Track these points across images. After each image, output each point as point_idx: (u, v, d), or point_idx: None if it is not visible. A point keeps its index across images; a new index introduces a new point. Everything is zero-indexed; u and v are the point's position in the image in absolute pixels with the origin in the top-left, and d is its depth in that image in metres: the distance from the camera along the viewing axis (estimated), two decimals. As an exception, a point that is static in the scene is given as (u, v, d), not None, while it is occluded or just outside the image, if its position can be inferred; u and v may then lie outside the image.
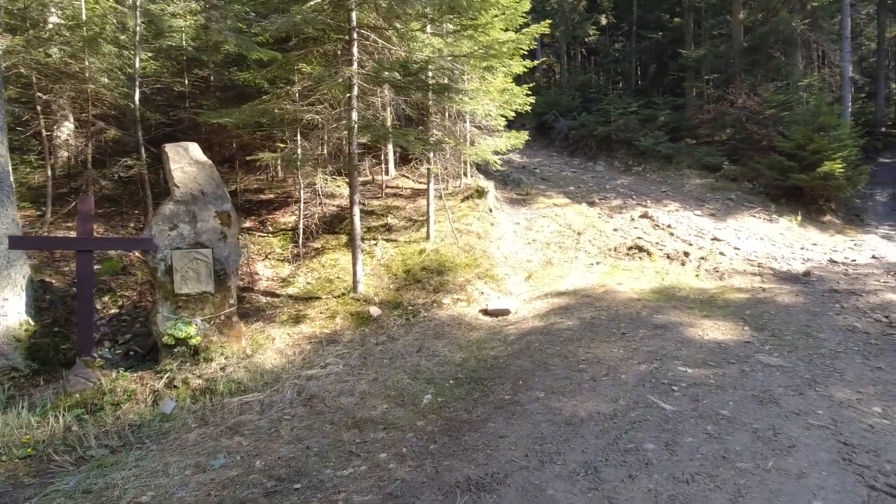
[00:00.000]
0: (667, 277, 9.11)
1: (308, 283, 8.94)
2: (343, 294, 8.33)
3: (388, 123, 10.92)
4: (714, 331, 6.01)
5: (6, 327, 5.80)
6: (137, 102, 9.23)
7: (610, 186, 16.29)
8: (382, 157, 14.96)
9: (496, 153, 11.52)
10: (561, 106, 22.31)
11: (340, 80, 7.58)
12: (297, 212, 10.47)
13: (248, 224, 10.88)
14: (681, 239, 11.88)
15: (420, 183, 14.27)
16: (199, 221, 5.85)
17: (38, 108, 8.54)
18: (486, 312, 7.90)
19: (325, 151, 12.46)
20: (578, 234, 12.13)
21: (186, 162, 5.94)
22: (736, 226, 13.16)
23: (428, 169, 10.23)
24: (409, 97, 8.87)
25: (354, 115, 7.98)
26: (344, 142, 10.04)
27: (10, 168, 6.09)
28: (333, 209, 11.49)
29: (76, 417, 4.76)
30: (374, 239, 10.46)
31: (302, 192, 9.79)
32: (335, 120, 8.48)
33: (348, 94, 8.03)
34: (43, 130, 8.65)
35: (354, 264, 8.20)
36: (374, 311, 7.86)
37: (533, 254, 11.03)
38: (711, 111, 19.07)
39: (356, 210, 8.16)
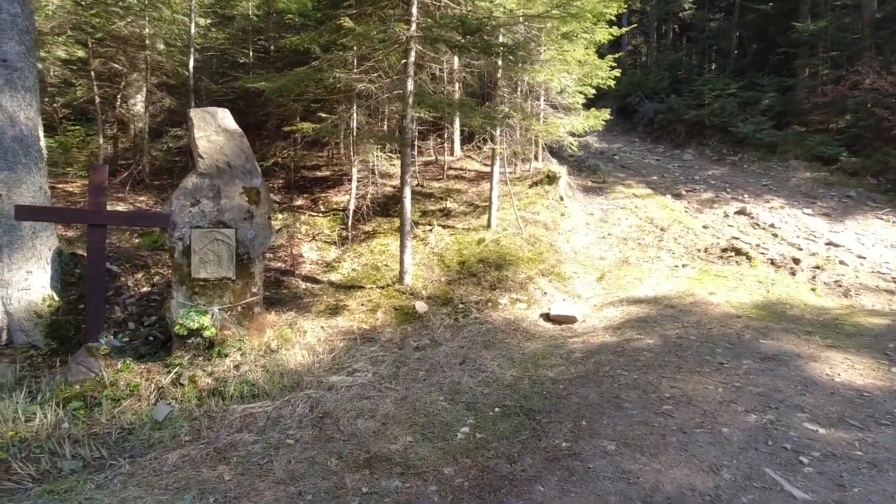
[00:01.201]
0: (773, 289, 7.53)
1: (353, 269, 8.21)
2: (388, 285, 7.52)
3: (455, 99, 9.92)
4: (848, 369, 4.58)
5: (28, 302, 5.45)
6: (192, 70, 8.81)
7: (699, 177, 14.40)
8: (447, 136, 14.01)
9: (572, 135, 10.22)
10: (647, 87, 20.24)
11: (395, 41, 6.65)
12: (350, 191, 9.77)
13: (299, 202, 10.34)
14: (787, 242, 10.05)
15: (486, 165, 13.20)
16: (223, 198, 5.18)
17: (92, 73, 8.29)
18: (547, 318, 6.80)
19: (386, 127, 11.68)
20: (661, 229, 10.61)
21: (213, 130, 5.27)
22: (857, 229, 11.03)
23: (492, 149, 9.13)
24: (472, 64, 7.80)
25: (410, 85, 7.04)
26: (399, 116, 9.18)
27: (40, 132, 5.72)
28: (389, 190, 10.70)
29: (72, 412, 4.25)
30: (429, 224, 9.57)
31: (355, 169, 9.04)
32: (389, 90, 7.58)
33: (404, 61, 7.10)
34: (96, 98, 8.42)
35: (402, 252, 7.34)
36: (420, 306, 6.98)
37: (607, 250, 9.70)
38: (828, 93, 16.38)
39: (407, 191, 7.27)
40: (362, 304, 7.07)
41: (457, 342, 5.89)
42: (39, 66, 11.93)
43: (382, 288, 7.47)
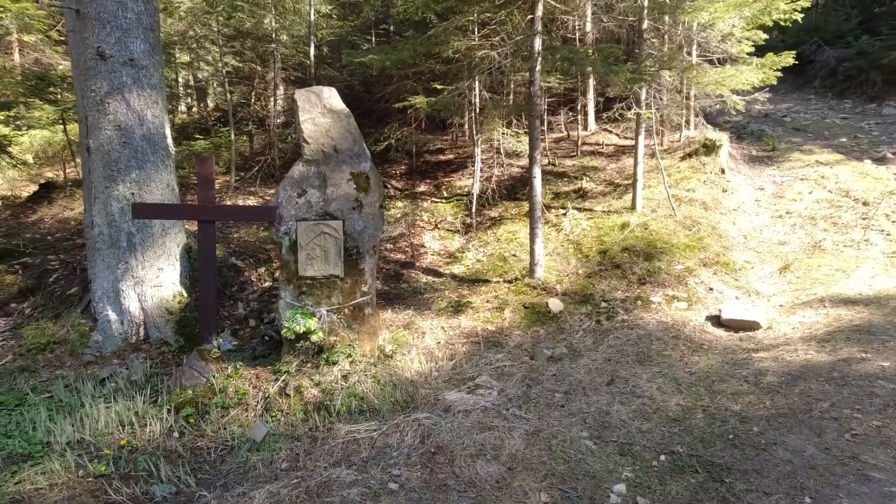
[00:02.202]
0: None
1: (478, 260, 7.42)
2: (517, 278, 6.60)
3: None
4: None
5: (160, 298, 5.53)
6: (313, 59, 8.66)
7: (915, 134, 11.19)
8: (580, 108, 12.55)
9: (735, 93, 8.32)
10: (826, 31, 16.42)
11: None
12: (474, 174, 8.98)
13: (422, 188, 9.82)
14: None
15: (626, 138, 11.55)
16: (329, 186, 4.67)
17: (223, 71, 8.48)
18: (717, 322, 5.36)
19: (511, 101, 10.67)
20: (864, 204, 8.23)
21: (318, 111, 4.77)
22: None
23: (637, 114, 7.66)
24: (612, 8, 6.46)
25: (538, 43, 5.97)
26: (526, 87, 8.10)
27: (166, 130, 5.76)
28: (516, 171, 9.71)
29: (184, 418, 4.05)
30: (562, 207, 8.42)
31: (478, 149, 8.20)
32: (514, 54, 6.56)
33: (530, 16, 6.03)
34: (228, 95, 8.63)
35: (533, 241, 6.37)
36: (555, 304, 5.97)
37: (788, 233, 7.72)
38: None
39: (537, 170, 6.24)
40: (488, 301, 6.25)
41: (601, 352, 4.79)
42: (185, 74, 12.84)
43: (510, 282, 6.57)
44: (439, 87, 6.28)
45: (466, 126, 13.26)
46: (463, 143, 12.49)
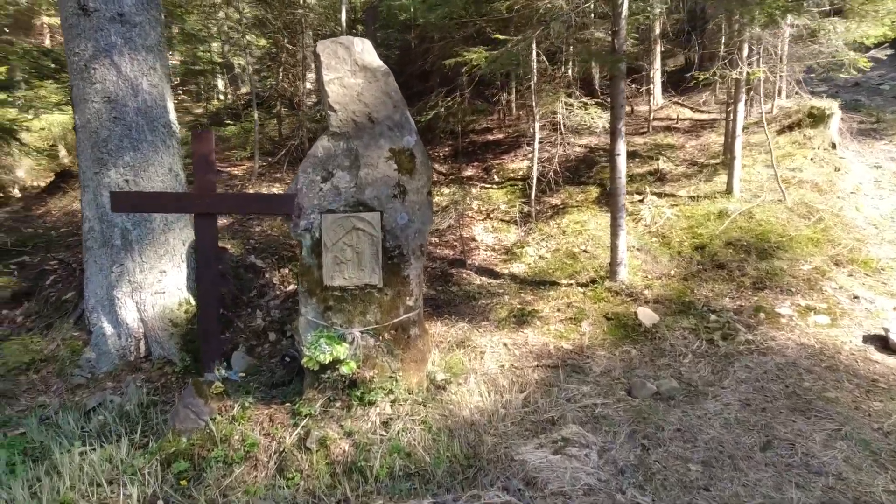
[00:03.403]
0: None
1: (540, 257, 6.18)
2: (593, 280, 5.35)
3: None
4: None
5: (163, 308, 4.57)
6: (344, 24, 7.53)
7: None
8: (645, 80, 11.01)
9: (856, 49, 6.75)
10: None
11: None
12: (530, 155, 7.71)
13: (469, 172, 8.61)
14: None
15: (702, 112, 9.99)
16: (362, 167, 3.53)
17: (247, 50, 7.46)
18: (885, 345, 3.97)
19: (571, 73, 9.27)
20: None
21: (348, 69, 3.62)
22: None
23: (743, 74, 6.15)
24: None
25: (625, -19, 4.63)
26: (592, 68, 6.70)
27: (168, 103, 4.75)
28: (579, 151, 8.37)
29: (176, 476, 3.04)
30: (638, 193, 7.06)
31: (537, 124, 6.90)
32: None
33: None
34: (248, 67, 7.61)
35: (615, 235, 5.09)
36: (646, 315, 4.69)
37: (942, 222, 6.13)
38: None
39: (621, 146, 4.94)
40: (559, 310, 5.03)
41: (732, 391, 3.50)
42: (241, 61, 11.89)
43: (585, 285, 5.32)
44: (501, 37, 5.01)
45: (514, 103, 11.94)
46: (511, 121, 11.18)
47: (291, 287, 5.41)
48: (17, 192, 9.10)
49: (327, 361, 3.24)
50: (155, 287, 4.56)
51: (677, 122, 9.31)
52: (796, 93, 9.95)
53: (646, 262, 5.53)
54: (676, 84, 11.14)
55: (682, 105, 10.49)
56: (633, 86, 11.27)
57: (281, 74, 10.16)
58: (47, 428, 3.75)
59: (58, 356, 4.55)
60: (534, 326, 4.84)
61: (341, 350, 3.27)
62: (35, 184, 9.46)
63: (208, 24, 11.71)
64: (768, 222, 5.73)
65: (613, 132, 4.98)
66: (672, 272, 5.30)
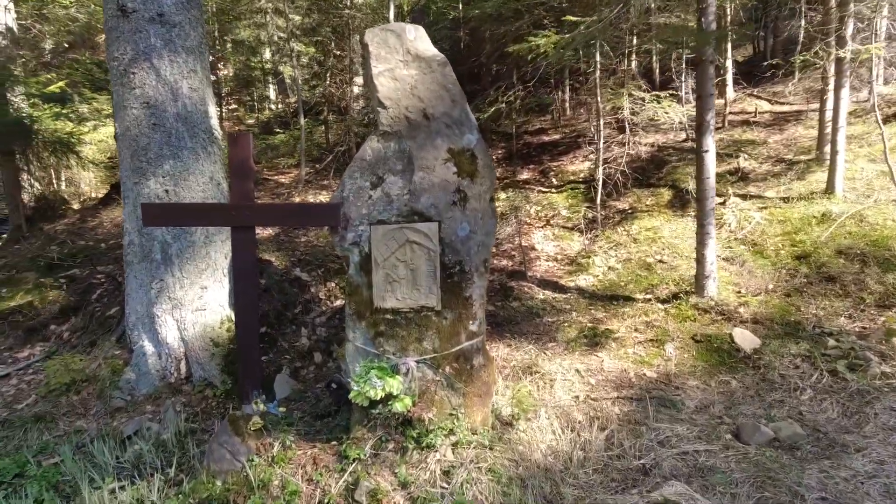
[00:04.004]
0: None
1: (610, 267, 5.55)
2: (676, 296, 4.68)
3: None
4: None
5: (204, 326, 4.27)
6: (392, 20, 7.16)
7: None
8: (716, 70, 10.12)
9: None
10: None
11: None
12: (591, 156, 7.09)
13: (524, 175, 8.05)
14: None
15: (781, 104, 9.02)
16: (417, 170, 3.07)
17: (294, 51, 7.21)
18: None
19: (635, 65, 8.56)
20: None
21: (399, 59, 3.18)
22: None
23: (847, 54, 5.32)
24: None
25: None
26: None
27: (209, 108, 4.48)
28: (645, 150, 7.65)
29: (208, 528, 2.66)
30: (718, 195, 6.28)
31: (602, 121, 6.27)
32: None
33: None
34: (296, 73, 7.37)
35: (702, 245, 4.42)
36: (744, 338, 4.00)
37: None
38: None
39: (709, 142, 4.28)
40: (636, 330, 4.40)
41: (879, 442, 2.79)
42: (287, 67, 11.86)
43: (665, 301, 4.67)
44: (573, 18, 4.45)
45: (569, 102, 11.28)
46: (566, 121, 10.54)
47: (338, 303, 5.03)
48: (76, 205, 9.26)
49: (378, 398, 2.78)
50: (196, 304, 4.27)
51: (755, 116, 8.41)
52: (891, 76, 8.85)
53: (737, 275, 4.81)
54: (746, 75, 10.20)
55: (758, 97, 9.54)
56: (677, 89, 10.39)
57: (328, 80, 9.95)
58: (82, 457, 3.49)
59: (99, 376, 4.32)
60: (609, 349, 4.24)
61: (394, 384, 2.80)
62: (94, 195, 9.61)
63: (258, 34, 11.73)
64: (885, 226, 4.88)
65: (700, 126, 4.32)
66: (770, 286, 4.55)
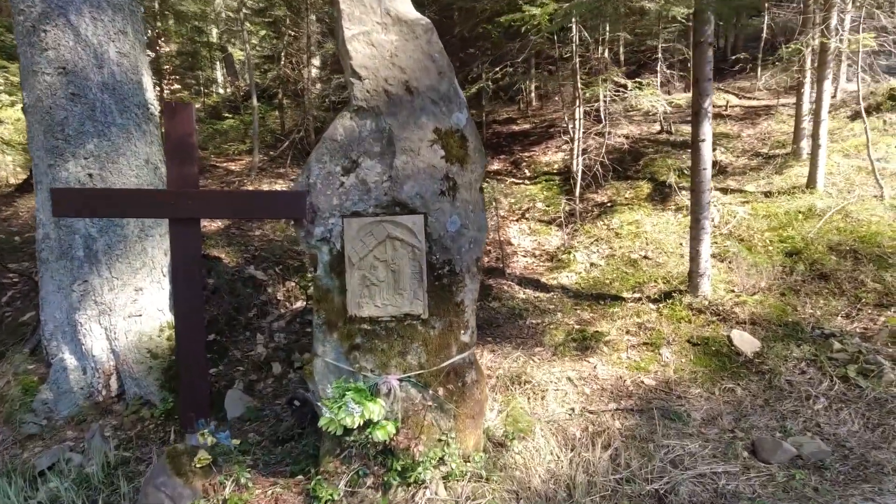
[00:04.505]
0: None
1: (592, 264, 5.24)
2: (667, 295, 4.40)
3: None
4: None
5: (139, 334, 3.64)
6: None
7: None
8: (678, 65, 10.03)
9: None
10: None
11: None
12: (566, 146, 6.76)
13: (495, 166, 7.66)
14: None
15: (749, 98, 9.03)
16: (399, 153, 2.58)
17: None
18: None
19: (608, 54, 8.30)
20: None
21: (377, 21, 2.67)
22: None
23: (832, 44, 5.18)
24: None
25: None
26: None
27: (144, 79, 3.81)
28: (621, 142, 7.41)
29: None
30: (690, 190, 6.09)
31: (580, 110, 5.94)
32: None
33: None
34: (247, 49, 6.66)
35: (696, 240, 4.15)
36: (743, 340, 3.75)
37: None
38: None
39: (706, 130, 4.01)
40: (628, 332, 4.08)
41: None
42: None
43: (657, 301, 4.38)
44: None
45: (534, 94, 10.99)
46: (534, 111, 10.24)
47: (299, 304, 4.47)
48: (-8, 192, 8.15)
49: (356, 425, 2.30)
50: (129, 309, 3.62)
51: (727, 109, 8.33)
52: (864, 72, 8.99)
53: (727, 272, 4.58)
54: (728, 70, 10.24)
55: (726, 91, 9.52)
56: (668, 72, 10.31)
57: (283, 60, 9.20)
58: (-20, 503, 2.83)
59: (7, 396, 3.61)
60: (600, 354, 3.90)
61: (375, 409, 2.33)
62: (11, 182, 8.52)
63: (204, 9, 10.79)
64: (871, 222, 4.77)
65: (697, 113, 4.03)
66: (763, 284, 4.34)
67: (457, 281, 2.61)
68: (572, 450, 2.96)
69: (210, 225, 5.11)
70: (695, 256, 4.16)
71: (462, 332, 2.62)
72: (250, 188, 6.13)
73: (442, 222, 2.59)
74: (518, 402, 3.28)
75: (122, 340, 3.61)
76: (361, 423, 2.31)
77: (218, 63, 15.20)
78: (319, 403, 2.44)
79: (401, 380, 2.49)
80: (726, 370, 3.59)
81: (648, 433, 3.07)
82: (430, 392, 2.53)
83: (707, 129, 4.01)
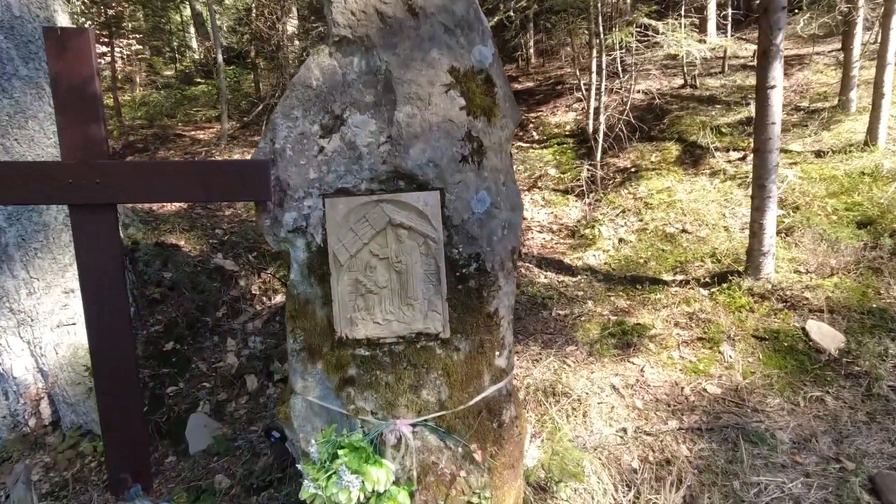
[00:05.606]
0: None
1: (622, 240, 4.51)
2: (721, 278, 3.69)
3: None
4: None
5: (72, 348, 2.88)
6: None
7: None
8: (692, 11, 9.12)
9: None
10: None
11: None
12: (577, 105, 5.94)
13: (499, 129, 6.81)
14: None
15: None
16: (401, 102, 1.78)
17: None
18: None
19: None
20: None
21: None
22: None
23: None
24: None
25: None
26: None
27: (59, 16, 2.94)
28: (638, 98, 6.59)
29: None
30: (732, 149, 5.36)
31: (603, 58, 5.09)
32: None
33: None
34: (213, 8, 5.69)
35: (759, 210, 3.44)
36: (823, 334, 3.07)
37: None
38: None
39: (776, 72, 3.24)
40: (677, 325, 3.39)
41: None
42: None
43: (708, 285, 3.67)
44: None
45: (533, 50, 10.07)
46: (535, 68, 9.35)
47: (279, 298, 3.71)
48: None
49: (355, 501, 1.58)
50: (57, 317, 2.85)
51: (752, 60, 7.50)
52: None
53: (789, 249, 3.87)
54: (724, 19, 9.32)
55: (744, 40, 8.66)
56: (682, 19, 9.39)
57: (255, 14, 8.17)
58: None
59: None
60: (646, 352, 3.21)
61: (381, 474, 1.60)
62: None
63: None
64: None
65: (766, 52, 3.23)
66: (833, 262, 3.64)
67: (488, 283, 1.85)
68: (631, 489, 2.29)
69: (168, 206, 4.26)
70: (757, 231, 3.44)
71: (497, 353, 1.88)
72: (219, 158, 5.27)
73: (465, 200, 1.82)
74: (557, 424, 2.59)
75: (50, 357, 2.85)
76: (363, 499, 1.59)
77: (192, 28, 14.02)
78: (300, 466, 1.72)
79: (414, 425, 1.77)
80: (807, 373, 2.91)
81: (727, 463, 2.40)
82: (456, 439, 1.81)
83: (778, 73, 3.23)
